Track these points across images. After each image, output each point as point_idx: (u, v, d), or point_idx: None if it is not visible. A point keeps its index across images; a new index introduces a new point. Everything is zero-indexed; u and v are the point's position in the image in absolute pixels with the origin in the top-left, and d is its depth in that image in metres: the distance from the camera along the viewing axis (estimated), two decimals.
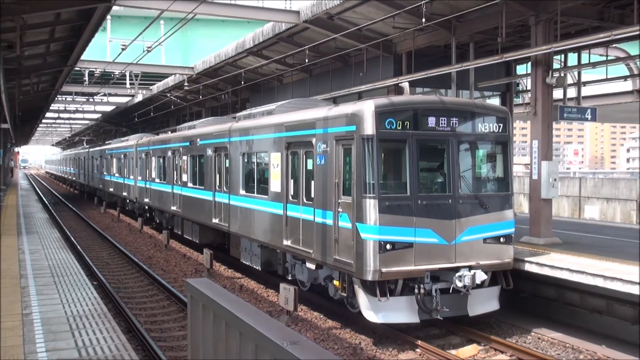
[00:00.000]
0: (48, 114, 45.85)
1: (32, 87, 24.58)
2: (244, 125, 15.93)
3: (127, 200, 31.34)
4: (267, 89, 27.42)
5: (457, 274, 10.56)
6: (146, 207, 27.18)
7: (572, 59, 17.98)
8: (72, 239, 23.04)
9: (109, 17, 24.18)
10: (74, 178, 58.52)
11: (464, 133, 11.27)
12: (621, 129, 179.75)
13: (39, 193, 48.96)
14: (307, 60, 19.68)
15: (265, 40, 19.97)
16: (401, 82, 17.36)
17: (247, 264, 15.72)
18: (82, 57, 20.03)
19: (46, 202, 40.52)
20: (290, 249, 12.92)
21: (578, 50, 17.14)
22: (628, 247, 13.49)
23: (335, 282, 11.64)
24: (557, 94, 15.64)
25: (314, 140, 11.91)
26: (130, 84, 30.59)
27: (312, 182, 12.03)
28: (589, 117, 15.04)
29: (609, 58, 18.73)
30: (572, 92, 17.81)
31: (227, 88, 29.29)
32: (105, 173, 37.50)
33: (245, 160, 15.76)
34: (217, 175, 17.51)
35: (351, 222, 10.65)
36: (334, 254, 11.12)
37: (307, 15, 16.83)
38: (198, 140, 19.21)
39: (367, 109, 10.56)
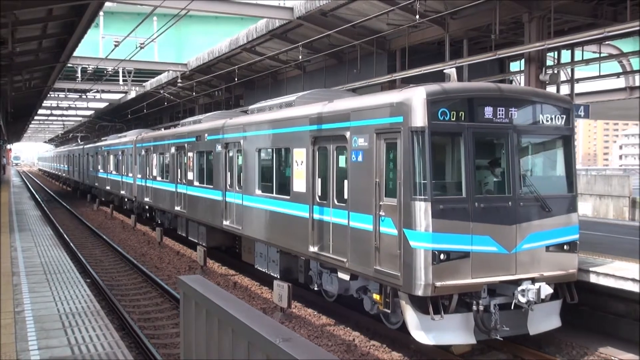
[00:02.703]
0: (40, 111, 45.65)
1: (24, 84, 24.42)
2: (260, 118, 14.41)
3: (125, 199, 29.94)
4: (261, 85, 27.38)
5: (519, 288, 9.29)
6: (146, 207, 25.89)
7: (566, 56, 18.03)
8: (65, 236, 22.95)
9: (101, 13, 24.07)
10: (68, 175, 56.91)
11: (524, 125, 9.91)
12: (614, 125, 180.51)
13: (32, 190, 48.74)
14: (300, 57, 19.66)
15: (258, 36, 19.94)
16: (394, 78, 17.34)
17: (263, 270, 14.15)
18: (75, 54, 19.90)
19: (39, 199, 40.34)
20: (318, 257, 11.51)
21: (571, 47, 17.19)
22: (625, 244, 13.54)
23: (375, 296, 10.20)
24: (550, 90, 15.67)
25: (347, 134, 10.53)
26: (123, 80, 30.48)
27: (346, 182, 10.67)
28: (582, 114, 15.08)
29: (602, 55, 18.79)
30: (565, 89, 17.85)
31: (220, 85, 29.23)
32: (101, 170, 36.05)
33: (262, 157, 14.22)
34: (229, 174, 16.04)
35: (397, 228, 9.33)
36: (375, 264, 9.76)
37: (301, 12, 16.81)
38: (206, 135, 17.62)
39: (417, 97, 9.19)
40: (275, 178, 13.44)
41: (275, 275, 13.40)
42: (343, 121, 10.73)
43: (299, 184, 12.19)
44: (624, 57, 20.03)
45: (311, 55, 20.26)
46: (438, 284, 8.91)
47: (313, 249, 11.62)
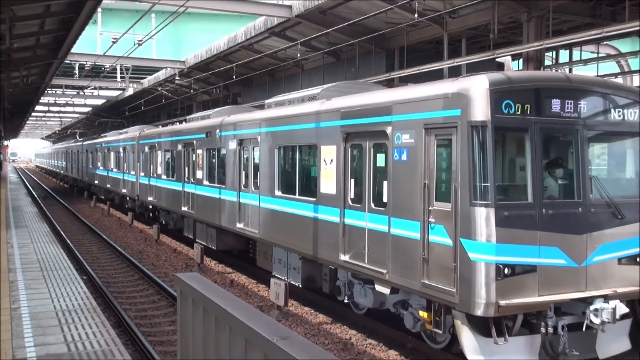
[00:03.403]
0: (38, 107, 45.54)
1: (22, 80, 24.37)
2: (280, 113, 13.14)
3: (127, 198, 28.76)
4: (259, 83, 27.35)
5: (591, 307, 8.21)
6: (149, 207, 24.86)
7: (564, 55, 18.04)
8: (62, 233, 22.91)
9: (99, 10, 24.04)
10: (66, 172, 55.71)
11: (595, 121, 8.76)
12: None
13: (29, 187, 48.64)
14: (299, 55, 19.63)
15: (257, 34, 19.90)
16: (393, 76, 17.33)
17: (282, 278, 12.98)
18: (73, 50, 19.87)
19: (35, 196, 40.26)
20: (350, 266, 10.35)
21: (569, 47, 17.20)
22: None
23: (422, 314, 9.09)
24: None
25: (389, 130, 9.35)
26: (121, 77, 30.44)
27: (385, 184, 9.57)
28: None
29: (600, 55, 18.81)
30: None
31: (218, 82, 29.19)
32: (101, 168, 34.88)
33: (283, 155, 13.07)
34: (243, 173, 14.87)
35: (451, 237, 8.21)
36: (422, 277, 8.63)
37: (300, 10, 16.78)
38: (217, 131, 16.37)
39: (477, 86, 8.05)
40: (299, 178, 12.38)
41: (297, 284, 12.51)
42: (383, 115, 9.52)
43: (327, 185, 11.06)
44: (622, 57, 20.05)
45: (309, 53, 20.24)
46: (502, 302, 7.76)
47: (344, 257, 10.46)
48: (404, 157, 9.12)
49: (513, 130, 8.43)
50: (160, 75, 31.15)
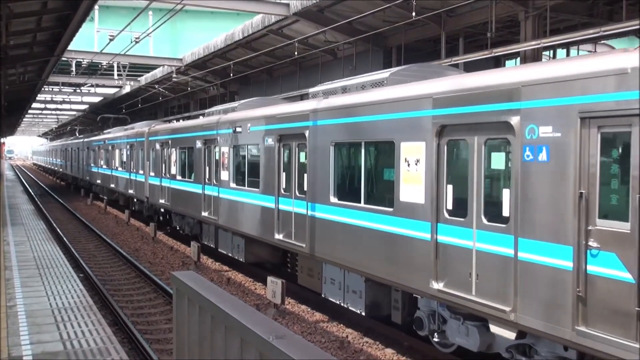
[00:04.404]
0: (34, 105, 45.48)
1: (18, 77, 24.31)
2: (338, 102, 10.84)
3: (135, 200, 26.33)
4: (257, 81, 27.34)
5: None
6: (161, 210, 22.47)
7: (561, 54, 18.06)
8: (58, 230, 22.87)
9: (96, 7, 23.96)
10: (65, 171, 53.02)
11: None
12: None
13: (25, 184, 48.55)
14: (296, 53, 19.62)
15: (254, 32, 19.89)
16: None
17: (337, 302, 11.12)
18: (69, 47, 19.84)
19: (32, 193, 40.19)
20: (446, 297, 8.16)
21: (567, 46, 17.21)
22: None
23: None
24: None
25: (514, 120, 7.19)
26: (118, 75, 30.40)
27: (507, 192, 7.42)
28: None
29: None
30: None
31: (215, 80, 29.16)
32: (104, 166, 32.60)
33: (341, 153, 10.93)
34: (284, 175, 12.75)
35: (630, 271, 6.06)
36: (575, 322, 6.49)
37: (297, 8, 16.77)
38: (248, 126, 14.22)
39: None
40: (365, 183, 10.11)
41: (358, 311, 10.49)
42: (504, 101, 7.35)
43: (410, 191, 8.86)
44: None
45: (307, 51, 20.23)
46: None
47: (437, 285, 8.27)
48: (543, 156, 6.97)
49: None
50: (158, 72, 31.12)
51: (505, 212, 7.41)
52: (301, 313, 12.31)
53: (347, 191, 10.66)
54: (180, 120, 27.32)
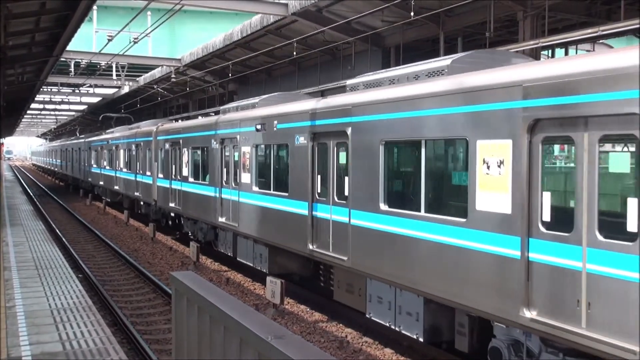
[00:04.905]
0: (33, 105, 45.47)
1: (17, 78, 24.29)
2: (391, 94, 9.29)
3: (142, 203, 25.01)
4: (255, 81, 27.34)
5: None
6: (171, 214, 21.13)
7: (560, 54, 18.07)
8: (57, 231, 22.87)
9: (95, 7, 23.97)
10: (65, 172, 51.56)
11: None
12: None
13: (24, 185, 48.53)
14: (295, 53, 19.62)
15: (253, 32, 19.91)
16: None
17: (386, 324, 9.69)
18: (68, 48, 19.84)
19: (31, 194, 40.17)
20: (543, 329, 6.66)
21: (565, 45, 17.23)
22: None
23: None
24: None
25: None
26: (117, 75, 30.40)
27: (637, 203, 5.90)
28: None
29: None
30: None
31: (214, 80, 29.17)
32: (107, 167, 31.31)
33: (393, 153, 9.64)
34: (318, 178, 11.40)
35: None
36: None
37: (296, 8, 16.77)
38: (275, 123, 12.81)
39: None
40: (426, 188, 8.69)
41: (414, 336, 9.05)
42: (632, 88, 5.82)
43: (490, 199, 7.44)
44: None
45: (305, 51, 20.24)
46: None
47: (529, 313, 6.81)
48: None
49: None
50: (156, 73, 31.13)
51: (632, 227, 5.90)
52: (300, 313, 12.32)
53: (402, 198, 9.32)
54: (184, 119, 27.24)
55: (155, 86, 33.08)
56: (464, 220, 7.82)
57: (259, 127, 13.52)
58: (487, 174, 7.48)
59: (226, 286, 14.58)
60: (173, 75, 27.88)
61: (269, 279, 12.00)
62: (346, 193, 10.36)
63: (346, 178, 10.39)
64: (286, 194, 12.31)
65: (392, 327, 9.53)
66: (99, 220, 28.00)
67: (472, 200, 7.67)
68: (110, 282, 15.33)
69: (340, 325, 11.46)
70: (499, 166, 7.32)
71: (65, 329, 7.86)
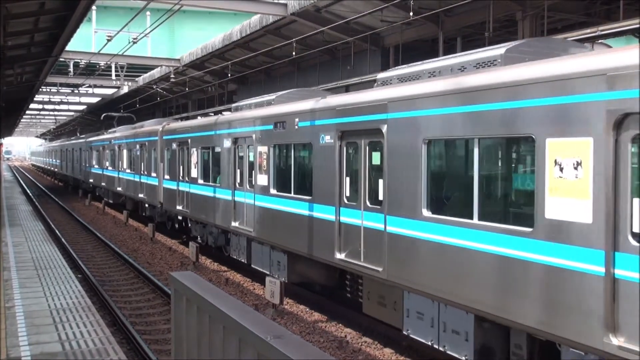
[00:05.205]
0: (32, 105, 45.48)
1: (16, 78, 24.30)
2: (438, 87, 8.22)
3: (147, 205, 24.07)
4: (254, 81, 27.35)
5: None
6: (178, 217, 20.17)
7: None
8: (57, 231, 22.86)
9: (94, 7, 23.98)
10: (66, 172, 50.20)
11: None
12: None
13: (23, 185, 48.53)
14: (294, 53, 19.63)
15: (252, 32, 19.92)
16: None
17: (425, 341, 8.75)
18: (67, 48, 19.84)
19: (30, 194, 40.17)
20: (632, 358, 5.76)
21: None
22: None
23: None
24: None
25: None
26: (116, 75, 30.41)
27: None
28: None
29: None
30: None
31: (213, 80, 29.17)
32: (109, 168, 30.35)
33: (446, 153, 8.59)
34: (348, 180, 10.31)
35: None
36: None
37: (295, 8, 16.78)
38: (296, 121, 11.79)
39: None
40: (479, 192, 7.64)
41: (462, 358, 8.04)
42: None
43: (565, 206, 6.42)
44: None
45: (305, 51, 20.25)
46: None
47: (616, 339, 5.90)
48: None
49: None
50: (156, 73, 31.14)
51: None
52: (300, 313, 12.32)
53: (448, 203, 8.39)
54: (190, 118, 27.17)
55: (154, 86, 33.09)
56: (529, 230, 6.79)
57: (277, 125, 12.59)
58: (560, 177, 6.50)
59: (225, 286, 14.58)
60: (172, 76, 27.89)
61: (268, 279, 12.00)
62: (380, 197, 9.33)
63: (380, 181, 9.36)
64: (309, 198, 11.33)
65: (435, 346, 8.51)
66: (98, 221, 27.99)
67: (540, 207, 6.65)
68: (110, 282, 15.33)
69: (340, 325, 11.46)
70: (575, 168, 6.34)
71: (64, 329, 7.86)
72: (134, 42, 18.37)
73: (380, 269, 9.21)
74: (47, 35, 17.35)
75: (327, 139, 10.75)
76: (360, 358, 9.73)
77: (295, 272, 12.45)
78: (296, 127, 11.82)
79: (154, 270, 16.41)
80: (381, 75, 10.17)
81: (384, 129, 9.12)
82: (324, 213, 10.80)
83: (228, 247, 16.07)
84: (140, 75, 34.24)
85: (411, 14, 14.04)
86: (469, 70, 8.27)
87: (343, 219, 10.27)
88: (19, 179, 58.22)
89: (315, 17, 17.27)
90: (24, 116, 59.18)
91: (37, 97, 39.64)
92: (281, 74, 24.94)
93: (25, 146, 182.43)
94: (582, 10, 14.99)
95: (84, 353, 6.98)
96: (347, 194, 10.29)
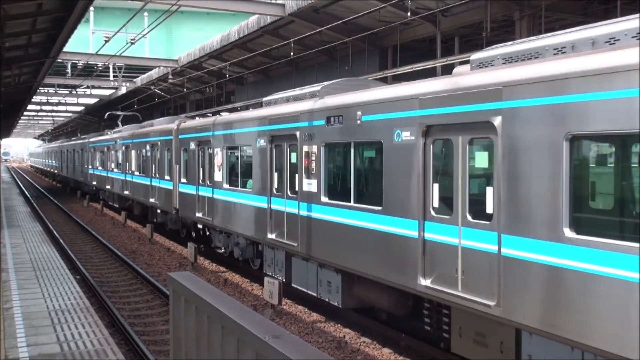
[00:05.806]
0: (30, 106, 45.44)
1: (14, 79, 24.27)
2: (578, 66, 6.17)
3: (159, 211, 21.99)
4: (253, 82, 27.35)
5: None
6: (197, 225, 18.15)
7: None
8: (55, 232, 22.84)
9: (91, 8, 23.97)
10: (66, 175, 48.04)
11: None
12: None
13: (21, 186, 48.48)
14: (292, 54, 19.64)
15: (250, 33, 19.92)
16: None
17: None
18: (65, 49, 19.83)
19: (28, 195, 40.12)
20: None
21: None
22: None
23: None
24: None
25: None
26: (114, 76, 30.39)
27: None
28: None
29: None
30: None
31: (211, 81, 29.17)
32: (115, 170, 28.54)
33: (603, 152, 6.46)
34: (434, 187, 8.28)
35: None
36: None
37: (293, 8, 16.79)
38: (359, 114, 9.77)
39: None
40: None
41: None
42: None
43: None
44: None
45: (303, 51, 20.25)
46: None
47: None
48: None
49: None
50: (153, 74, 31.13)
51: None
52: (298, 313, 12.32)
53: (606, 222, 6.24)
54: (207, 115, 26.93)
55: (152, 87, 33.08)
56: None
57: (331, 120, 10.65)
58: None
59: (224, 287, 14.58)
60: (170, 76, 27.88)
61: (266, 279, 12.00)
62: (489, 210, 7.36)
63: (489, 189, 7.39)
64: (379, 209, 9.33)
65: None
66: (97, 222, 27.97)
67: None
68: (108, 283, 15.32)
69: (339, 325, 11.46)
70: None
71: (63, 330, 7.85)
72: (132, 43, 18.36)
73: (492, 304, 7.16)
74: (45, 36, 17.33)
75: (405, 135, 8.77)
76: (359, 358, 9.73)
77: (353, 295, 10.64)
78: (358, 121, 9.83)
79: (153, 271, 16.40)
80: (476, 55, 8.12)
81: (497, 121, 7.10)
82: (401, 227, 8.86)
83: (255, 260, 14.60)
84: (138, 76, 34.23)
85: (409, 14, 14.06)
86: (599, 45, 6.42)
87: (429, 235, 8.31)
88: (17, 180, 58.16)
89: (313, 17, 17.28)
90: (21, 117, 59.13)
91: (35, 98, 39.61)
92: (279, 75, 24.94)
93: (23, 147, 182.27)
94: (579, 10, 15.01)
95: (82, 354, 6.98)
96: (435, 205, 8.29)
